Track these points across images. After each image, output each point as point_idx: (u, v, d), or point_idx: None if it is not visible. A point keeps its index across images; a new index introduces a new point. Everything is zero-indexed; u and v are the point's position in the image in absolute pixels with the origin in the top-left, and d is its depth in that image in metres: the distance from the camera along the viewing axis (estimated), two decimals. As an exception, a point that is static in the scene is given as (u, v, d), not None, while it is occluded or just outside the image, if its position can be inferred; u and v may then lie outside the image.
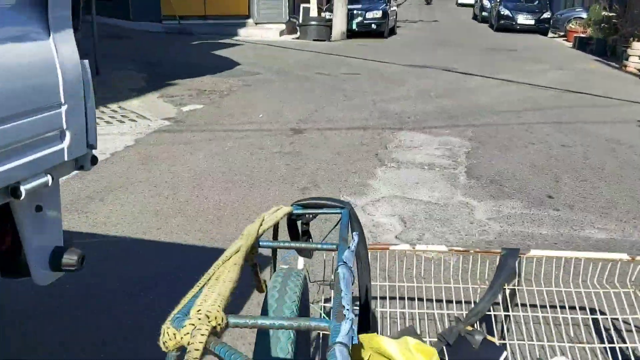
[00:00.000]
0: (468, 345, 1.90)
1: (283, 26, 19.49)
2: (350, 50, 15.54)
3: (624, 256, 2.13)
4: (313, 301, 1.99)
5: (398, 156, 5.97)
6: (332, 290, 1.37)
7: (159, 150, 5.81)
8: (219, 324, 0.85)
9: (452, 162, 5.81)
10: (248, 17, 19.48)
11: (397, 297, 2.23)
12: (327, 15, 20.60)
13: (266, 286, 1.42)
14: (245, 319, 0.91)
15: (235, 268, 1.02)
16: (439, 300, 2.50)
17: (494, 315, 2.09)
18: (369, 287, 1.61)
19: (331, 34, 19.08)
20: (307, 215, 1.60)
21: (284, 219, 1.51)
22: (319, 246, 1.42)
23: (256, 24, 19.40)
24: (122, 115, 7.09)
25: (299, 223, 1.62)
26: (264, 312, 1.37)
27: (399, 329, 2.14)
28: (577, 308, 2.18)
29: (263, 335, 1.30)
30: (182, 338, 0.82)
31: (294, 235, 1.62)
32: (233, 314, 0.91)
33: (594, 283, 2.21)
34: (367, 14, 20.17)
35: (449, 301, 2.33)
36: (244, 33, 18.39)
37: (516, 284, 2.09)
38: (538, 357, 2.11)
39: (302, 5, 20.39)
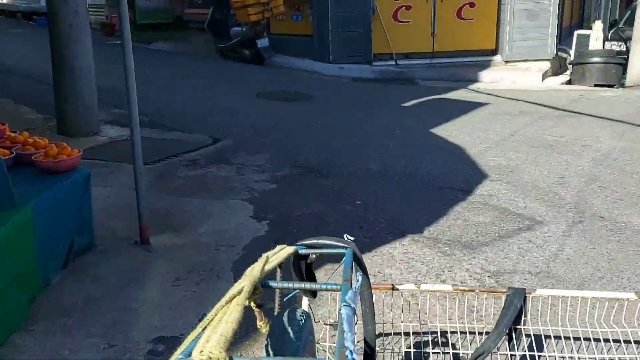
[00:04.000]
0: None
1: (547, 65, 12.40)
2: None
3: (632, 295, 1.98)
4: (319, 341, 1.84)
5: None
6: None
7: None
8: None
9: None
10: (494, 52, 12.73)
11: (402, 337, 2.09)
12: (615, 46, 13.08)
13: (270, 326, 1.26)
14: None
15: (238, 309, 0.97)
16: (444, 340, 2.14)
17: (500, 354, 1.99)
18: (373, 327, 1.56)
19: (624, 76, 11.63)
20: (311, 255, 1.47)
21: (289, 259, 1.39)
22: (323, 287, 1.31)
23: (506, 62, 12.56)
24: None
25: (302, 263, 1.48)
26: (268, 353, 1.23)
27: None
28: (584, 349, 2.02)
29: None
30: None
31: (298, 275, 1.49)
32: (236, 355, 0.83)
33: (600, 323, 2.05)
34: (683, 42, 12.28)
35: (455, 341, 2.12)
36: (487, 77, 11.71)
37: (522, 324, 1.97)
38: None
39: (575, 33, 13.11)
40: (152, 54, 13.17)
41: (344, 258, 1.37)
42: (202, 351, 0.80)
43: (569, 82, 11.98)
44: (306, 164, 5.70)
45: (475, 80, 11.64)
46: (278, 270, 1.34)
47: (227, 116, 7.71)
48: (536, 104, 9.07)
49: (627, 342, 2.04)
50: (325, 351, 1.88)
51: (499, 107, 8.83)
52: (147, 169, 5.36)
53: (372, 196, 4.76)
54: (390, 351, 2.09)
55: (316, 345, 1.68)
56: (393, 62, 12.22)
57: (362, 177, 5.31)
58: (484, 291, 2.14)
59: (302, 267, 1.48)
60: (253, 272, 1.14)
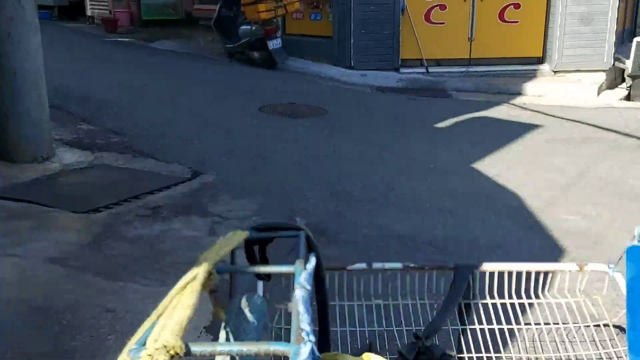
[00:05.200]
0: None
1: (602, 77, 10.64)
2: None
3: (573, 267, 2.06)
4: (273, 324, 1.83)
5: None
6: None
7: None
8: (177, 353, 0.79)
9: None
10: (541, 61, 10.99)
11: (356, 316, 2.09)
12: (681, 56, 11.26)
13: (225, 312, 1.26)
14: (203, 345, 0.85)
15: (192, 295, 0.96)
16: (397, 317, 2.19)
17: (451, 329, 2.01)
18: (327, 307, 1.56)
19: (695, 92, 9.87)
20: (263, 239, 1.47)
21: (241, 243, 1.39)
22: (276, 269, 1.33)
23: (555, 72, 10.81)
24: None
25: (256, 247, 1.48)
26: (223, 338, 1.22)
27: (358, 347, 2.04)
28: (531, 319, 2.09)
29: None
30: None
31: (251, 259, 1.48)
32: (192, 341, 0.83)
33: (545, 294, 2.13)
34: None
35: (407, 317, 2.15)
36: (532, 90, 9.98)
37: (470, 298, 1.99)
38: None
39: (635, 40, 11.27)
40: (152, 53, 11.68)
41: (298, 240, 1.35)
42: (157, 340, 0.77)
43: (628, 98, 10.23)
44: (307, 217, 4.10)
45: (518, 93, 9.96)
46: (231, 255, 1.32)
47: (218, 138, 6.16)
48: (599, 127, 7.37)
49: (570, 310, 2.00)
50: (280, 334, 1.82)
51: (555, 130, 7.14)
52: (87, 221, 3.85)
53: (396, 288, 3.15)
54: (345, 330, 2.02)
55: (272, 328, 1.68)
56: (423, 70, 10.58)
57: (383, 246, 3.70)
58: (434, 268, 2.12)
59: (255, 251, 1.46)
60: (207, 258, 1.11)
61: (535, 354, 2.12)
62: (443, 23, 10.71)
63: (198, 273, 1.04)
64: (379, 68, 10.40)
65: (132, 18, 14.27)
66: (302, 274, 1.14)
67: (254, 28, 10.32)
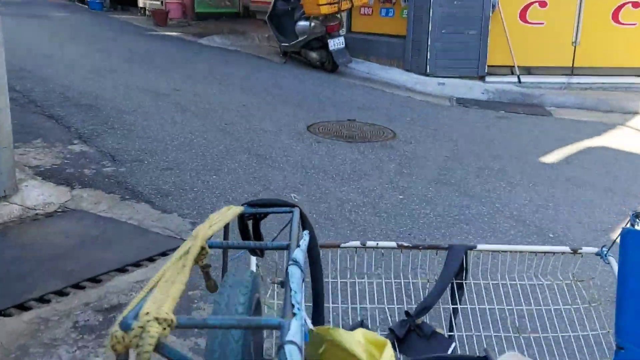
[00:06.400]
0: (418, 338, 1.83)
1: None
2: None
3: (566, 249, 2.05)
4: (266, 300, 1.80)
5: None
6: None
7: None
8: (169, 326, 0.75)
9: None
10: (662, 72, 8.81)
11: (349, 294, 2.03)
12: None
13: (218, 287, 1.21)
14: (194, 319, 0.83)
15: (184, 270, 0.92)
16: (389, 295, 2.14)
17: (443, 308, 2.03)
18: (321, 284, 1.51)
19: None
20: (257, 215, 1.41)
21: (235, 219, 1.32)
22: (270, 245, 1.29)
23: (679, 87, 8.61)
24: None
25: (249, 223, 1.41)
26: (215, 312, 1.14)
27: (350, 324, 1.98)
28: (522, 300, 2.05)
29: (214, 336, 1.09)
30: (130, 341, 0.73)
31: (245, 235, 1.42)
32: (183, 314, 0.82)
33: (537, 275, 2.11)
34: None
35: (399, 296, 2.14)
36: (650, 109, 7.88)
37: (463, 278, 1.97)
38: (485, 347, 1.88)
39: None
40: (198, 51, 10.18)
41: (291, 217, 1.31)
42: (148, 313, 0.75)
43: None
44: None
45: (634, 111, 7.86)
46: (225, 230, 1.29)
47: (245, 171, 4.50)
48: None
49: (562, 292, 2.01)
50: (273, 310, 1.80)
51: None
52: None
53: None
54: (337, 307, 1.99)
55: (264, 304, 1.65)
56: (514, 79, 8.60)
57: None
58: (427, 247, 2.04)
59: (248, 227, 1.40)
60: (200, 233, 1.06)
61: (526, 333, 2.01)
62: (542, 23, 8.69)
63: (190, 247, 1.00)
64: (460, 76, 8.51)
65: (185, 10, 12.88)
66: (296, 250, 1.10)
67: (312, 24, 8.62)
